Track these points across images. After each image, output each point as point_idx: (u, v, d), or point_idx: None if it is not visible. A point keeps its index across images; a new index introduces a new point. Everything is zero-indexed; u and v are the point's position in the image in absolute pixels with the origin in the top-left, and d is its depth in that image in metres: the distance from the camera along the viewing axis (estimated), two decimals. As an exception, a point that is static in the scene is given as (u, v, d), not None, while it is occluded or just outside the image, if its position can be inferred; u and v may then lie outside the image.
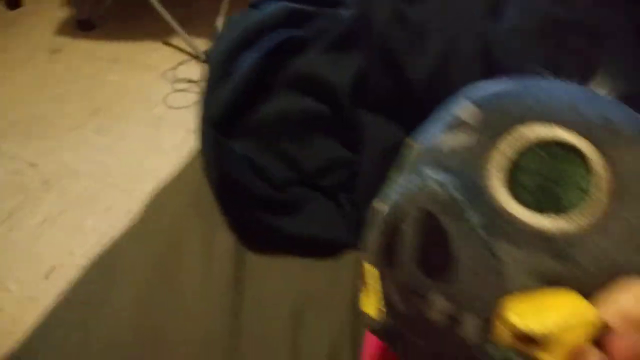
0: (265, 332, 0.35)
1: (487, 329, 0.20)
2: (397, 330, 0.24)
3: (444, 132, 0.25)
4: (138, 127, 1.54)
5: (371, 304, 0.25)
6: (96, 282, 0.40)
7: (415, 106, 0.34)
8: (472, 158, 0.23)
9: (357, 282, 0.27)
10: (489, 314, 0.20)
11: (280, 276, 0.38)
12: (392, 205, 0.24)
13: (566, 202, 0.21)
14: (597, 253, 0.21)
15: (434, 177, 0.23)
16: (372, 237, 0.25)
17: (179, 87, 1.65)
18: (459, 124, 0.24)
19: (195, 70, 1.70)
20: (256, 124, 0.41)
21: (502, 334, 0.20)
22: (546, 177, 0.22)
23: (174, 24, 1.72)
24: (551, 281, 0.20)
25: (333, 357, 0.34)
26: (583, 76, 0.25)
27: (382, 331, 0.25)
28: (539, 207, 0.21)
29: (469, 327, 0.21)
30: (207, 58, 0.47)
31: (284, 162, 0.41)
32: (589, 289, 0.20)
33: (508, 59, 0.37)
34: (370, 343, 0.33)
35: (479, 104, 0.24)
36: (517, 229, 0.21)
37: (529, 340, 0.19)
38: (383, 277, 0.24)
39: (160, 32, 1.83)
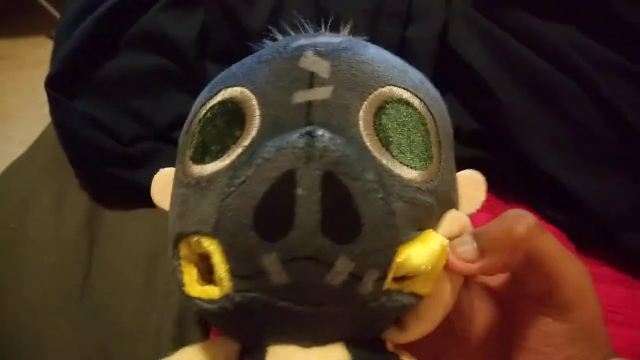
0: (120, 276, 0.36)
1: (381, 280, 0.22)
2: (255, 304, 0.22)
3: (297, 86, 0.23)
4: (27, 127, 1.47)
5: (201, 286, 0.23)
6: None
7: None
8: (340, 113, 0.23)
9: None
10: (386, 266, 0.21)
11: (136, 227, 0.39)
12: (267, 173, 0.20)
13: (423, 154, 0.24)
14: (442, 190, 0.24)
15: (320, 133, 0.21)
16: (234, 206, 0.21)
17: (70, 82, 1.60)
18: (309, 75, 0.23)
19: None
20: (100, 81, 0.41)
21: (390, 279, 0.22)
22: (407, 133, 0.23)
23: (59, 17, 1.65)
24: (422, 226, 0.23)
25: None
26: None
27: (222, 312, 0.22)
28: (406, 160, 0.23)
29: (369, 282, 0.21)
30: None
31: (133, 119, 0.41)
32: (435, 222, 0.23)
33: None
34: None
35: (323, 53, 0.24)
36: (400, 182, 0.22)
37: (409, 278, 0.22)
38: (239, 254, 0.21)
39: (45, 27, 1.74)
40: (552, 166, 0.38)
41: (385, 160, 0.22)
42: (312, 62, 0.24)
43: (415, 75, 0.26)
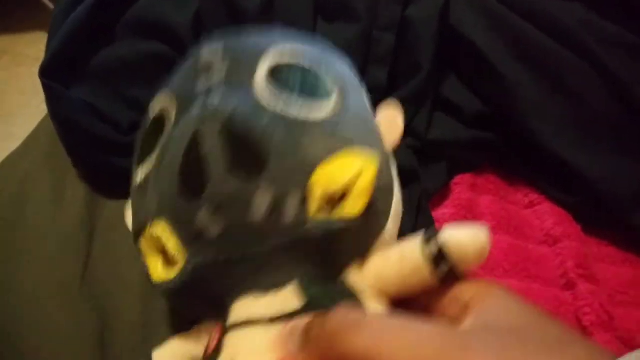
0: (119, 266, 0.36)
1: (303, 206, 0.23)
2: (205, 267, 0.24)
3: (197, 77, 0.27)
4: (29, 124, 1.47)
5: (156, 269, 0.26)
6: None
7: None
8: (238, 76, 0.26)
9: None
10: (302, 190, 0.23)
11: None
12: (180, 143, 0.23)
13: (318, 99, 0.26)
14: (345, 125, 0.25)
15: (214, 94, 0.25)
16: (164, 183, 0.24)
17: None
18: (207, 66, 0.27)
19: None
20: (97, 69, 0.41)
21: (314, 205, 0.23)
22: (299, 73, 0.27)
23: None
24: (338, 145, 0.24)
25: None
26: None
27: (183, 286, 0.24)
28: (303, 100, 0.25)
29: (290, 209, 0.23)
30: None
31: (131, 106, 0.41)
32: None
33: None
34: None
35: (221, 48, 0.28)
36: (296, 121, 0.24)
37: (333, 200, 0.23)
38: (180, 221, 0.24)
39: (44, 22, 1.74)
40: (559, 146, 0.37)
41: (281, 105, 0.25)
42: (205, 57, 0.27)
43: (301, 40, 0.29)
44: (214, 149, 0.23)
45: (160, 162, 0.25)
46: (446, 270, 0.23)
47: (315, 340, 0.20)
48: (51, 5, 1.64)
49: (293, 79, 0.26)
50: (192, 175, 0.23)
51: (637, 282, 0.36)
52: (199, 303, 0.26)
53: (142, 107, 0.41)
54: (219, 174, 0.23)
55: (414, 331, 0.19)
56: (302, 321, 0.22)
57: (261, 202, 0.23)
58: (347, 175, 0.23)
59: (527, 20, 0.39)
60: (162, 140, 0.26)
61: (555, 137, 0.38)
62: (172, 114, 0.27)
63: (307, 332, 0.21)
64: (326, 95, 0.26)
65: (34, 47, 1.71)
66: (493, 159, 0.41)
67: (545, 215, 0.38)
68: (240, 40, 0.28)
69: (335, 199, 0.23)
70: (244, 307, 0.24)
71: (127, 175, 0.39)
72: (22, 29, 1.78)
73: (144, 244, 0.26)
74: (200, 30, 0.41)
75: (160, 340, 0.29)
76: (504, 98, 0.39)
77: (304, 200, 0.23)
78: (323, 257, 0.24)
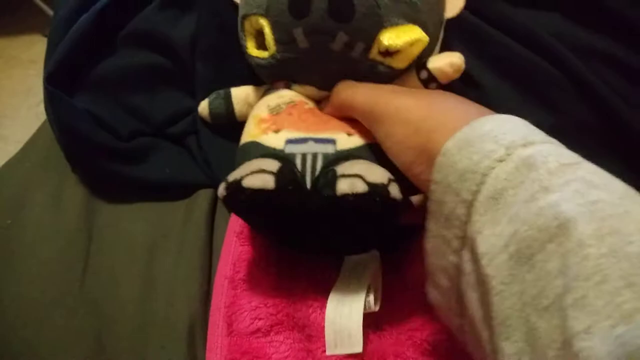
0: (118, 269, 0.37)
1: (367, 50, 0.33)
2: (289, 59, 0.35)
3: None
4: (22, 126, 1.46)
5: (254, 49, 0.36)
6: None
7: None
8: None
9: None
10: (370, 41, 0.33)
11: (134, 219, 0.40)
12: None
13: None
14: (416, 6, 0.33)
15: None
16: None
17: (65, 80, 1.59)
18: None
19: (82, 62, 1.64)
20: (98, 78, 0.42)
21: (375, 52, 0.33)
22: None
23: (52, 14, 1.64)
24: (409, 19, 0.33)
25: (186, 284, 0.36)
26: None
27: (269, 65, 0.36)
28: None
29: (358, 50, 0.33)
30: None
31: (130, 115, 0.42)
32: (422, 22, 0.34)
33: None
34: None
35: None
36: None
37: (388, 54, 0.34)
38: (282, 25, 0.34)
39: (38, 25, 1.73)
40: None
41: None
42: None
43: None
44: None
45: None
46: (435, 86, 0.36)
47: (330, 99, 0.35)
48: (46, 8, 1.64)
49: None
50: (299, 3, 0.32)
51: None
52: (274, 78, 0.37)
53: (141, 116, 0.42)
54: (320, 11, 0.32)
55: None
56: None
57: (340, 39, 0.33)
58: (402, 42, 0.32)
59: (507, 34, 0.40)
60: None
61: None
62: None
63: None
64: None
65: (27, 49, 1.71)
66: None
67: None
68: None
69: (391, 53, 0.33)
70: (301, 88, 0.37)
71: (126, 181, 0.40)
72: (15, 31, 1.77)
73: (248, 25, 0.36)
74: (195, 45, 0.43)
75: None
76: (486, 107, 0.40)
77: (368, 48, 0.33)
78: (361, 79, 0.35)
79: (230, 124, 0.40)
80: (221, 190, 0.30)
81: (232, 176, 0.30)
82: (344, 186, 0.29)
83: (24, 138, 1.46)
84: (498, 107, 0.39)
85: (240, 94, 0.40)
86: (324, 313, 0.34)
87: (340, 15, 0.32)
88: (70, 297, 0.35)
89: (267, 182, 0.29)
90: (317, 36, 0.33)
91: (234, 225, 0.39)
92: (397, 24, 0.33)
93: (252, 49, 0.36)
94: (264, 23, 0.34)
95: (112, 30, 0.43)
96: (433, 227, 0.26)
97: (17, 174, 0.43)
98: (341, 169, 0.30)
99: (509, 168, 0.23)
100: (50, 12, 1.63)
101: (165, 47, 0.43)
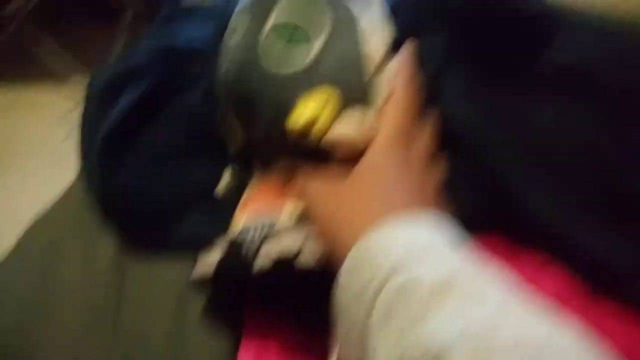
0: (146, 324, 0.38)
1: (283, 134, 0.35)
2: (251, 148, 0.40)
3: (231, 35, 0.39)
4: (39, 170, 1.49)
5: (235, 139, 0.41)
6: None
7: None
8: (246, 46, 0.37)
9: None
10: (283, 126, 0.35)
11: (165, 274, 0.42)
12: (220, 88, 0.40)
13: (301, 55, 0.36)
14: (324, 74, 0.36)
15: (230, 65, 0.38)
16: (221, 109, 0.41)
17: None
18: (234, 28, 0.39)
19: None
20: (143, 150, 0.46)
21: (291, 134, 0.35)
22: (288, 44, 0.36)
23: (70, 65, 1.70)
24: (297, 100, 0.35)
25: (214, 342, 0.38)
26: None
27: (244, 152, 0.41)
28: (285, 62, 0.36)
29: (276, 136, 0.36)
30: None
31: (169, 183, 0.46)
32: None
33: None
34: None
35: (242, 9, 0.39)
36: (280, 77, 0.36)
37: (306, 127, 0.35)
38: (233, 124, 0.40)
39: (56, 72, 1.80)
40: (553, 220, 0.40)
41: (270, 65, 0.36)
42: (237, 17, 0.40)
43: None
44: (233, 99, 0.38)
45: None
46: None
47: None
48: (63, 54, 1.69)
49: (285, 34, 0.36)
50: (227, 103, 0.38)
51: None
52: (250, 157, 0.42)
53: (176, 184, 0.45)
54: (235, 110, 0.38)
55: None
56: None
57: (261, 129, 0.37)
58: (307, 116, 0.34)
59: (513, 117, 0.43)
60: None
61: (551, 214, 0.40)
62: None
63: None
64: (309, 44, 0.36)
65: (43, 96, 1.76)
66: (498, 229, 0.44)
67: (552, 278, 0.40)
68: (258, 5, 0.38)
69: (308, 127, 0.35)
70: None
71: (156, 244, 0.42)
72: (32, 78, 1.83)
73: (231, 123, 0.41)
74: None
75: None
76: (499, 179, 0.41)
77: (282, 133, 0.35)
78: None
79: None
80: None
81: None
82: (257, 264, 0.33)
83: (40, 182, 1.47)
84: (509, 173, 0.40)
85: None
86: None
87: (247, 111, 0.37)
88: (102, 352, 0.37)
89: (206, 271, 0.35)
90: (247, 129, 0.39)
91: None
92: (301, 101, 0.35)
93: (232, 141, 0.42)
94: (228, 121, 0.41)
95: (155, 106, 0.48)
96: (339, 337, 0.28)
97: (49, 232, 0.46)
98: (266, 246, 0.34)
99: (391, 293, 0.25)
100: (66, 59, 1.69)
101: (201, 126, 0.47)
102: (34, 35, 1.67)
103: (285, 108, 0.35)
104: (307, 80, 0.36)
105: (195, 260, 0.41)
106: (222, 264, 0.35)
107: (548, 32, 0.45)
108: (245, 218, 0.38)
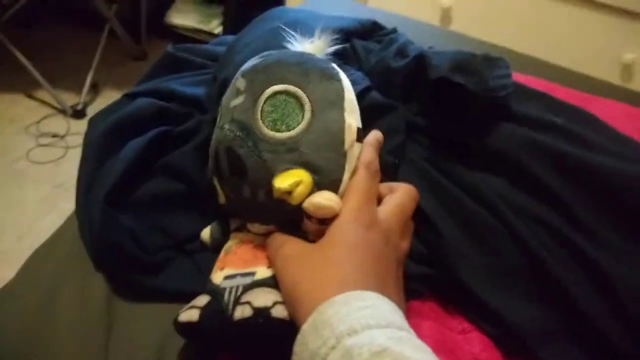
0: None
1: (270, 194, 0.41)
2: (231, 206, 0.45)
3: (231, 98, 0.44)
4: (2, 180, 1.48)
5: (220, 198, 0.45)
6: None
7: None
8: (244, 110, 0.42)
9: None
10: (269, 187, 0.41)
11: (148, 318, 0.46)
12: (212, 148, 0.45)
13: (292, 123, 0.42)
14: (308, 143, 0.41)
15: (227, 127, 0.42)
16: (209, 164, 0.46)
17: (43, 142, 1.62)
18: (236, 91, 0.44)
19: (61, 125, 1.68)
20: (138, 200, 0.51)
21: (275, 194, 0.40)
22: (281, 112, 0.42)
23: (38, 76, 1.69)
24: (296, 163, 0.41)
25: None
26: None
27: (226, 208, 0.46)
28: (277, 128, 0.42)
29: (261, 195, 0.41)
30: (84, 140, 0.56)
31: (159, 232, 0.50)
32: (309, 162, 0.41)
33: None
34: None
35: (244, 74, 0.45)
36: (270, 142, 0.41)
37: (289, 194, 0.40)
38: (219, 182, 0.45)
39: (24, 85, 1.79)
40: (479, 290, 0.48)
41: (264, 131, 0.41)
42: (239, 81, 0.44)
43: (306, 66, 0.44)
44: (224, 159, 0.43)
45: (211, 145, 0.45)
46: (315, 222, 0.41)
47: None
48: (30, 68, 1.68)
49: (278, 107, 0.42)
50: (214, 165, 0.44)
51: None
52: (234, 215, 0.47)
53: (166, 233, 0.50)
54: (226, 172, 0.42)
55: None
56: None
57: (245, 191, 0.42)
58: (290, 184, 0.40)
59: (463, 190, 0.52)
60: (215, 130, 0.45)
61: (478, 284, 0.48)
62: (218, 119, 0.45)
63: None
64: (299, 119, 0.42)
65: (9, 108, 1.74)
66: (434, 290, 0.52)
67: (474, 342, 0.48)
68: (259, 75, 0.44)
69: (290, 193, 0.40)
70: (250, 226, 0.45)
71: (145, 289, 0.47)
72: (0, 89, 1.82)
73: (211, 182, 0.46)
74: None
75: None
76: (441, 248, 0.49)
77: (270, 192, 0.41)
78: (285, 214, 0.42)
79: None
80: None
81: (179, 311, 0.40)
82: (237, 313, 0.38)
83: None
84: (450, 247, 0.49)
85: (232, 222, 0.48)
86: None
87: (237, 174, 0.42)
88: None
89: (192, 316, 0.39)
90: (232, 190, 0.43)
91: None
92: (285, 169, 0.41)
93: (218, 199, 0.46)
94: (214, 181, 0.46)
95: (150, 158, 0.53)
96: None
97: (48, 264, 0.50)
98: (244, 297, 0.39)
99: (337, 356, 0.30)
100: (35, 72, 1.69)
101: (191, 181, 0.53)
102: (2, 47, 1.67)
103: (274, 170, 0.40)
104: (297, 144, 0.41)
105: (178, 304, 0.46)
106: (206, 310, 0.39)
107: (493, 117, 0.54)
108: (226, 270, 0.42)
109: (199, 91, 0.61)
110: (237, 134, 0.41)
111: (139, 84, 0.65)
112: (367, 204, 0.41)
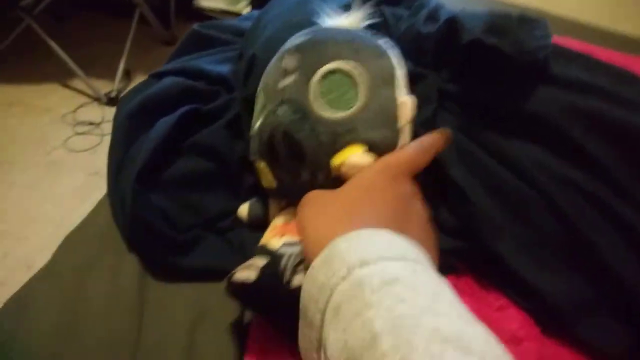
0: (164, 342, 0.43)
1: (328, 175, 0.41)
2: (284, 190, 0.44)
3: (278, 79, 0.43)
4: (34, 171, 1.52)
5: (266, 181, 0.45)
6: (11, 322, 0.45)
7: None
8: (297, 90, 0.41)
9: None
10: (327, 168, 0.41)
11: (179, 298, 0.46)
12: (266, 133, 0.42)
13: (348, 103, 0.41)
14: (364, 122, 0.41)
15: (281, 111, 0.41)
16: (257, 149, 0.44)
17: (80, 130, 1.66)
18: (284, 71, 0.43)
19: (96, 113, 1.71)
20: (169, 178, 0.51)
21: (334, 172, 0.41)
22: (337, 92, 0.41)
23: (73, 66, 1.73)
24: (351, 141, 0.41)
25: (224, 357, 0.43)
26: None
27: (276, 192, 0.45)
28: (334, 109, 0.41)
29: (321, 177, 0.41)
30: (113, 118, 0.57)
31: (189, 210, 0.50)
32: (363, 140, 0.41)
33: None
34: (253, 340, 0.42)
35: (291, 53, 0.43)
36: (328, 124, 0.41)
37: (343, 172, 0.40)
38: (271, 166, 0.43)
39: (59, 75, 1.82)
40: (517, 264, 0.46)
41: (321, 112, 0.41)
42: (286, 61, 0.43)
43: (357, 44, 0.43)
44: (280, 143, 0.41)
45: (260, 129, 0.44)
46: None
47: None
48: (65, 57, 1.72)
49: (335, 87, 0.41)
50: (268, 151, 0.42)
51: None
52: (283, 198, 0.46)
53: (196, 211, 0.50)
54: (284, 157, 0.41)
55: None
56: None
57: (304, 174, 0.42)
58: (349, 160, 0.40)
59: (497, 160, 0.49)
60: (264, 112, 0.44)
61: (513, 255, 0.46)
62: (263, 101, 0.44)
63: None
64: (353, 104, 0.41)
65: (43, 97, 1.79)
66: (468, 265, 0.50)
67: (511, 318, 0.47)
68: (310, 52, 0.43)
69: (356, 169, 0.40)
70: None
71: (175, 268, 0.47)
72: (32, 79, 1.86)
73: (256, 166, 0.45)
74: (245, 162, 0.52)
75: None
76: (474, 221, 0.48)
77: (327, 173, 0.41)
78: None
79: (263, 225, 0.48)
80: (224, 284, 0.38)
81: (232, 272, 0.39)
82: (295, 281, 0.37)
83: (32, 184, 1.51)
84: (484, 220, 0.47)
85: (274, 201, 0.48)
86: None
87: (296, 158, 0.41)
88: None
89: (248, 275, 0.38)
90: (290, 174, 0.42)
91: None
92: (342, 148, 0.41)
93: (263, 183, 0.46)
94: (262, 165, 0.45)
95: (180, 137, 0.53)
96: (302, 326, 0.32)
97: (81, 247, 0.50)
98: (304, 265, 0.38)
99: (347, 285, 0.28)
100: (70, 61, 1.72)
101: (222, 159, 0.52)
102: (36, 37, 1.70)
103: (333, 150, 0.40)
104: (354, 124, 0.41)
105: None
106: (264, 271, 0.38)
107: (531, 80, 0.51)
108: (286, 237, 0.41)
109: (225, 69, 0.61)
110: (293, 117, 0.41)
111: (166, 64, 0.64)
112: (401, 165, 0.40)
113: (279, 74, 0.43)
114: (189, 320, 0.45)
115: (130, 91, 0.60)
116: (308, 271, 0.32)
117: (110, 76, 1.80)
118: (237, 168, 0.50)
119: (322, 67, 0.42)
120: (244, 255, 0.48)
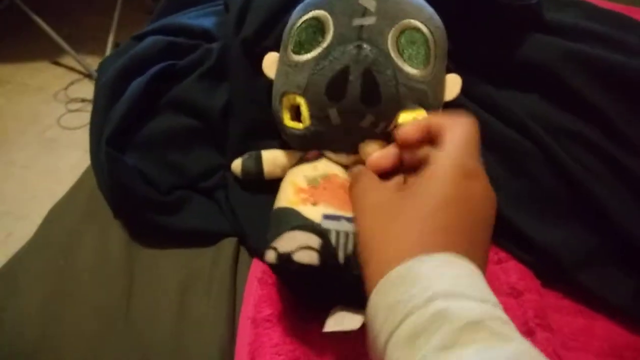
0: (155, 306, 0.42)
1: (387, 127, 0.40)
2: (316, 133, 0.41)
3: (353, 15, 0.40)
4: (30, 150, 1.51)
5: (297, 122, 0.42)
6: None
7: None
8: (378, 33, 0.40)
9: (281, 115, 0.42)
10: (390, 121, 0.40)
11: (168, 262, 0.45)
12: (338, 65, 0.39)
13: (423, 62, 0.41)
14: (433, 83, 0.42)
15: (366, 47, 0.38)
16: (308, 81, 0.40)
17: (72, 108, 1.63)
18: (364, 9, 0.41)
19: (88, 89, 1.68)
20: (144, 139, 0.48)
21: (391, 127, 0.40)
22: (417, 49, 0.41)
23: (62, 42, 1.70)
24: (420, 102, 0.41)
25: (215, 323, 0.41)
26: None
27: (301, 134, 0.42)
28: (412, 64, 0.40)
29: (381, 127, 0.40)
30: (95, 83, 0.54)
31: (170, 170, 0.48)
32: (429, 105, 0.41)
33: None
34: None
35: None
36: (407, 76, 0.40)
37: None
38: (317, 103, 0.40)
39: (48, 52, 1.79)
40: (515, 216, 0.45)
41: (400, 63, 0.40)
42: (366, 0, 0.41)
43: (428, 11, 0.43)
44: (356, 80, 0.38)
45: (318, 62, 0.40)
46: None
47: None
48: (54, 35, 1.69)
49: (413, 44, 0.40)
50: (336, 87, 0.39)
51: (588, 330, 0.43)
52: (306, 147, 0.43)
53: (178, 171, 0.48)
54: (353, 97, 0.39)
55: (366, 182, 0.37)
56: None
57: (368, 119, 0.40)
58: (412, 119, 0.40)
59: (491, 113, 0.47)
60: (324, 44, 0.41)
61: (512, 208, 0.45)
62: (331, 27, 0.41)
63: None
64: (428, 62, 0.41)
65: (35, 76, 1.76)
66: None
67: (510, 271, 0.46)
68: (388, 2, 0.41)
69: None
70: (331, 155, 0.42)
71: (163, 229, 0.46)
72: (23, 58, 1.82)
73: (285, 101, 0.42)
74: (228, 111, 0.50)
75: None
76: None
77: (387, 125, 0.40)
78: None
79: (257, 182, 0.46)
80: (271, 258, 0.35)
81: (281, 246, 0.35)
82: (355, 270, 0.34)
83: (29, 163, 1.49)
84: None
85: (269, 156, 0.46)
86: (337, 349, 0.39)
87: (370, 101, 0.39)
88: (117, 331, 0.41)
89: (313, 259, 0.35)
90: (348, 116, 0.40)
91: (255, 271, 0.45)
92: (411, 108, 0.40)
93: (287, 121, 0.43)
94: (301, 101, 0.41)
95: (157, 95, 0.50)
96: (369, 332, 0.30)
97: (66, 218, 0.49)
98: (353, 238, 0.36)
99: (426, 316, 0.26)
100: (59, 39, 1.69)
101: (201, 112, 0.49)
102: (24, 16, 1.67)
103: (403, 105, 0.40)
104: (425, 85, 0.41)
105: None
106: (324, 253, 0.35)
107: (525, 28, 0.49)
108: (322, 207, 0.38)
109: (208, 22, 0.59)
110: (379, 58, 0.38)
111: (148, 26, 0.62)
112: (470, 149, 0.34)
113: (354, 10, 0.40)
114: (179, 283, 0.44)
115: (110, 55, 0.58)
116: (379, 284, 0.29)
117: (100, 52, 1.77)
118: (219, 122, 0.48)
119: (404, 19, 0.41)
120: (235, 214, 0.47)
